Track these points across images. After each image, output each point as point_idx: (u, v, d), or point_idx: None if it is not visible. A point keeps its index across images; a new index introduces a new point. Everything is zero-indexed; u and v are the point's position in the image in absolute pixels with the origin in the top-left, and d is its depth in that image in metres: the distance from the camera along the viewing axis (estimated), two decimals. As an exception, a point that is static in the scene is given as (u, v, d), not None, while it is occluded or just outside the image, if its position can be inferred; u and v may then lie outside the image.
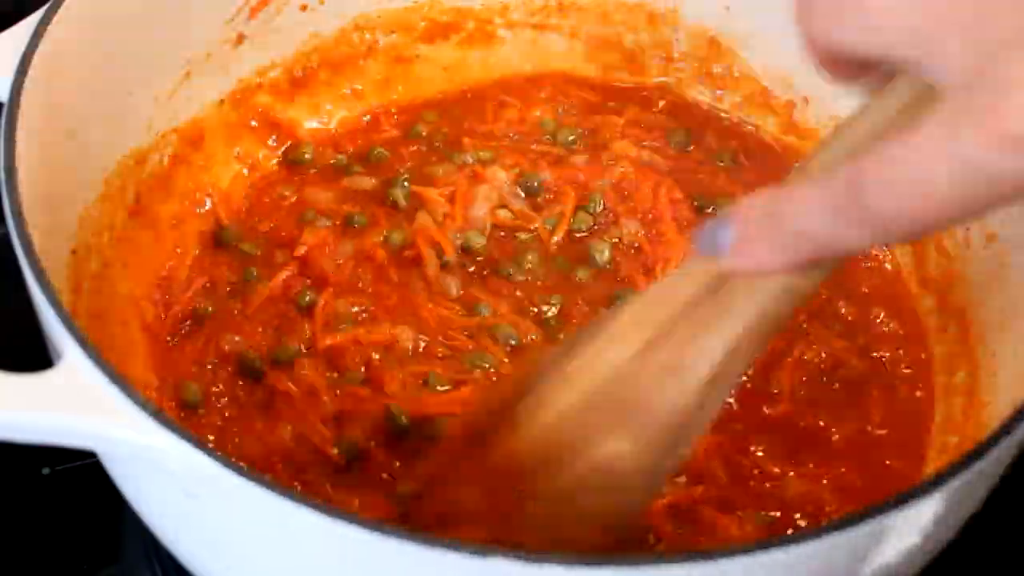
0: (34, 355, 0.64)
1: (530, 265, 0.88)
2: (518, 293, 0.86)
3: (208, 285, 0.87)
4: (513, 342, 0.83)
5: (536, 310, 0.86)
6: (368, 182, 0.93)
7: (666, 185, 0.92)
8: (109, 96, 0.82)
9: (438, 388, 0.80)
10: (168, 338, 0.83)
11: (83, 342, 0.59)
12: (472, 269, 0.88)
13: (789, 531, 0.74)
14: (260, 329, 0.84)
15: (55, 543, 0.82)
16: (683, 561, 0.54)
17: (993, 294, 0.82)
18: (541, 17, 1.03)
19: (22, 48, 0.72)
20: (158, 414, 0.57)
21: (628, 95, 1.02)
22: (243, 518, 0.59)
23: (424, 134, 0.98)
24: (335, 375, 0.81)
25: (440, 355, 0.82)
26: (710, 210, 0.91)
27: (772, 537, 0.56)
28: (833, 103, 0.94)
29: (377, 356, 0.81)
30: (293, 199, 0.93)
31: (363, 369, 0.81)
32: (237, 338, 0.83)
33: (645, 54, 1.03)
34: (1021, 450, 0.65)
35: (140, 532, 0.76)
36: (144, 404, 0.57)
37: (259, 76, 0.96)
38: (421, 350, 0.83)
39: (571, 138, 0.97)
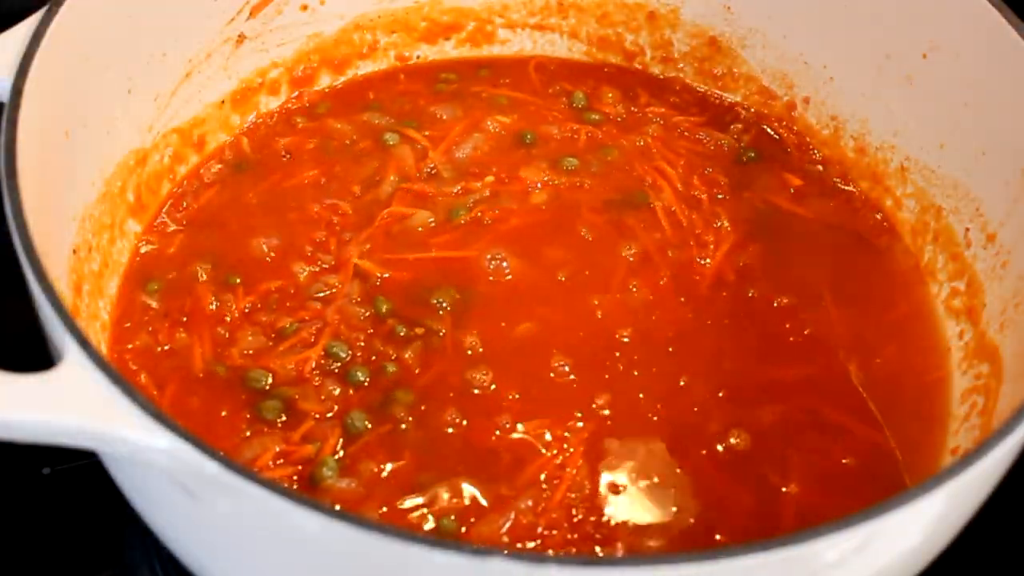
0: (34, 355, 0.64)
1: None
2: None
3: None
4: None
5: None
6: None
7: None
8: (109, 96, 0.83)
9: None
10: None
11: (83, 342, 0.59)
12: None
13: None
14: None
15: (55, 543, 0.82)
16: (682, 561, 0.54)
17: (993, 294, 0.82)
18: (541, 17, 1.03)
19: (22, 48, 0.72)
20: (158, 414, 0.57)
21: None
22: (243, 518, 0.59)
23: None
24: None
25: None
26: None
27: (772, 537, 0.56)
28: (833, 103, 0.95)
29: None
30: None
31: None
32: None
33: (645, 54, 1.03)
34: (1022, 450, 0.65)
35: (141, 532, 0.76)
36: (144, 404, 0.57)
37: (259, 76, 0.96)
38: None
39: None
